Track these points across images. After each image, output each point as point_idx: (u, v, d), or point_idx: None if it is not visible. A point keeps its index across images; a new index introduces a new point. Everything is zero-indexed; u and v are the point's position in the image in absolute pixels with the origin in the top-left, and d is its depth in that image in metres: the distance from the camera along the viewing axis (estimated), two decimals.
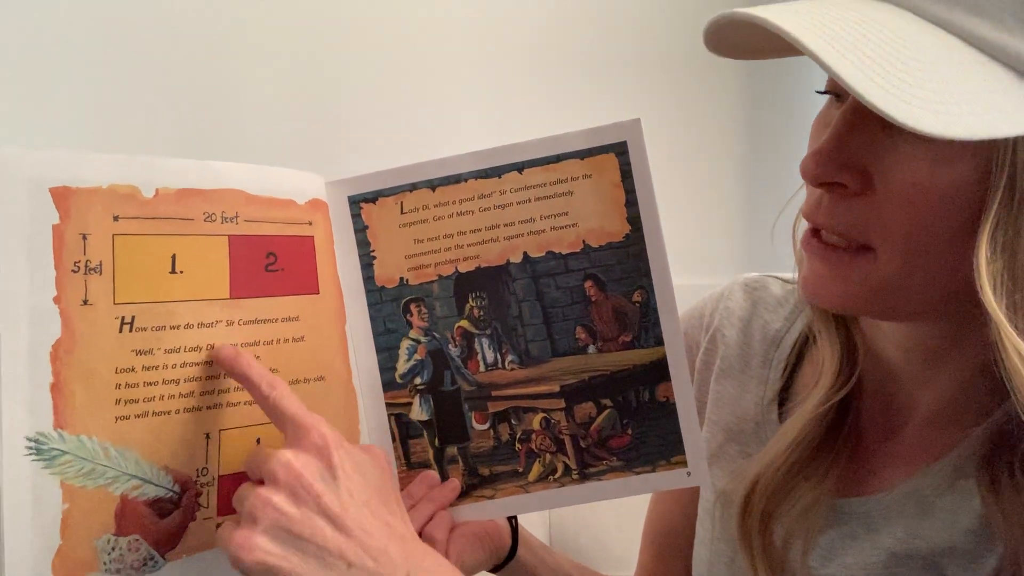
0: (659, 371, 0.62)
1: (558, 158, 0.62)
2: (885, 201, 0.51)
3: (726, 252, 1.60)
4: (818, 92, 0.56)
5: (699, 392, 0.73)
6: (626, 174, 0.61)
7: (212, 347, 0.55)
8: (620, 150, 0.61)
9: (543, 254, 0.62)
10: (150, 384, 0.53)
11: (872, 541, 0.59)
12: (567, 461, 0.63)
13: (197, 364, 0.55)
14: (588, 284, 0.62)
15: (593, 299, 0.62)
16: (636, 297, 0.62)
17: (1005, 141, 0.47)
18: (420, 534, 0.59)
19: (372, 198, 0.63)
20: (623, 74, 1.50)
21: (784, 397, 0.67)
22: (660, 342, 0.62)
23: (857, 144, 0.51)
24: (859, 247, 0.52)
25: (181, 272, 0.54)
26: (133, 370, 0.53)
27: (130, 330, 0.53)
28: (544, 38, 1.44)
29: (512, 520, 0.70)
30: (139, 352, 0.53)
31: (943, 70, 0.46)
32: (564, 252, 0.62)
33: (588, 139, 0.61)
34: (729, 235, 1.59)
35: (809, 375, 0.67)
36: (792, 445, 0.61)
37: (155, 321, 0.53)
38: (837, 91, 0.55)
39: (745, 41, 0.54)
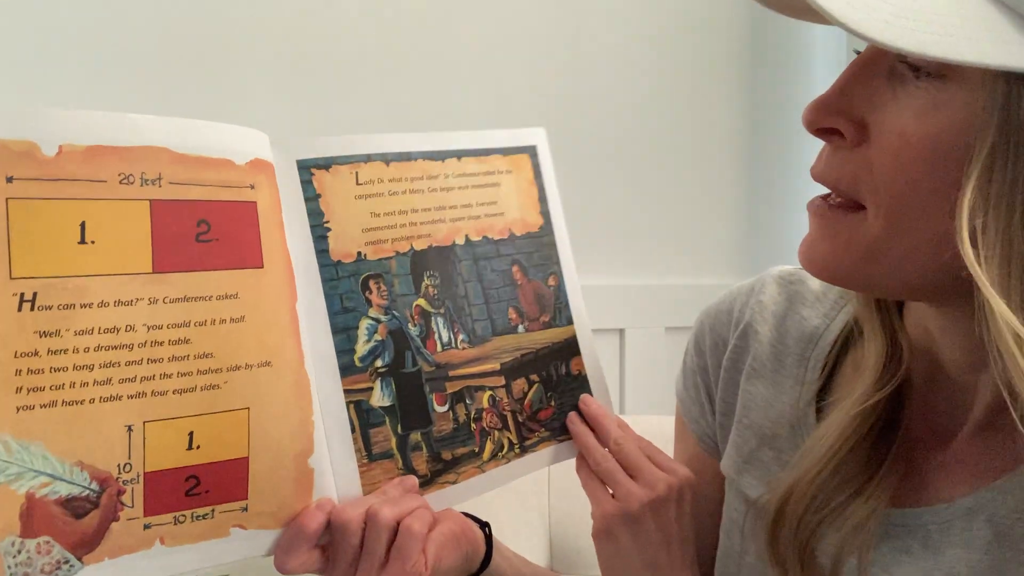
0: (571, 347, 0.68)
1: (487, 152, 0.66)
2: (875, 153, 0.47)
3: (725, 253, 1.54)
4: (857, 52, 0.51)
5: (727, 393, 0.66)
6: (538, 173, 0.68)
7: (132, 328, 0.49)
8: (532, 152, 0.68)
9: (480, 238, 0.65)
10: (58, 370, 0.47)
11: (934, 561, 0.53)
12: (510, 436, 0.65)
13: (115, 347, 0.48)
14: (515, 269, 0.66)
15: (519, 283, 0.67)
16: (551, 281, 0.68)
17: (997, 78, 0.42)
18: (398, 525, 0.55)
19: (325, 165, 0.59)
20: (626, 67, 1.44)
21: (823, 399, 0.60)
22: (571, 321, 0.69)
23: (859, 93, 0.48)
24: (852, 205, 0.49)
25: (93, 242, 0.47)
26: (36, 354, 0.46)
27: (31, 308, 0.46)
28: (549, 31, 1.38)
29: (485, 529, 0.63)
30: (43, 334, 0.46)
31: None
32: (495, 238, 0.66)
33: (507, 139, 0.67)
34: (728, 236, 1.53)
35: (852, 375, 0.59)
36: (831, 450, 0.55)
37: (62, 298, 0.47)
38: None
39: None
